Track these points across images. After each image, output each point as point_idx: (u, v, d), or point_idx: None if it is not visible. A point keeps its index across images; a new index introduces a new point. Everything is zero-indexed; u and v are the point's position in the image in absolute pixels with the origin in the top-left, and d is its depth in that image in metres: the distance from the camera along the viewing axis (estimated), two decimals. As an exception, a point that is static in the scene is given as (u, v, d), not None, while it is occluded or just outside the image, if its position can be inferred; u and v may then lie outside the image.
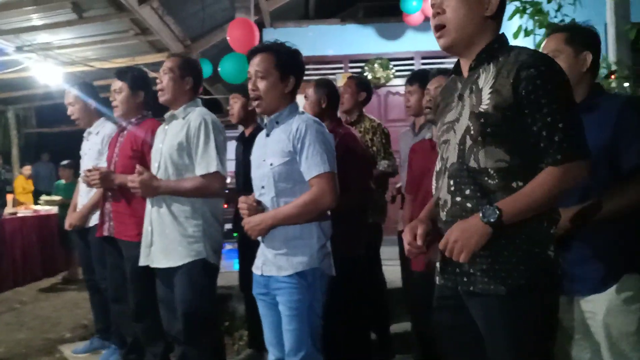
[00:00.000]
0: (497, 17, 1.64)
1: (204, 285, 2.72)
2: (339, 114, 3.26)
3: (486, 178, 1.55)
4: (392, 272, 4.01)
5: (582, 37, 1.99)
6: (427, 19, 6.98)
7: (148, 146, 3.03)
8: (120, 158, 3.18)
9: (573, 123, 1.51)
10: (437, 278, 1.76)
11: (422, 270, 2.62)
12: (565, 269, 1.83)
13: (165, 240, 2.72)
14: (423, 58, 7.60)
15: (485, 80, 1.59)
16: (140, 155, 3.07)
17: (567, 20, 3.66)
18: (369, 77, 7.60)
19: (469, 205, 1.58)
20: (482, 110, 1.56)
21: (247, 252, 2.87)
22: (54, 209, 7.27)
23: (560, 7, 3.65)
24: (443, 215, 1.66)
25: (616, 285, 1.84)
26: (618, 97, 2.04)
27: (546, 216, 1.56)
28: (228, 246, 6.08)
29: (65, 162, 6.96)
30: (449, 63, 7.16)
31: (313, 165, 2.16)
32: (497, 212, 1.48)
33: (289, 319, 2.17)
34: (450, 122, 1.68)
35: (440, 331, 1.78)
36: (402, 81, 7.52)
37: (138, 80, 3.24)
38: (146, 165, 2.83)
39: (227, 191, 3.09)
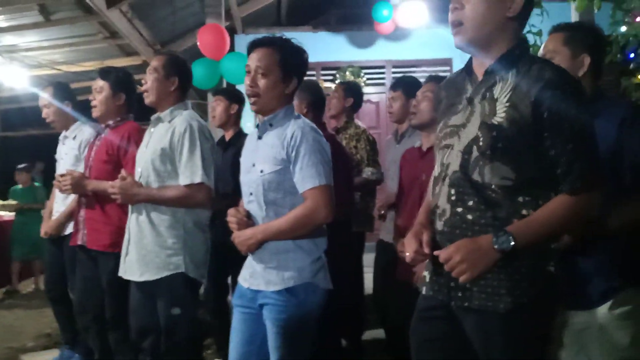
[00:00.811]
0: (521, 18, 1.54)
1: (185, 300, 2.57)
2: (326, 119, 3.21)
3: (490, 192, 1.49)
4: (365, 279, 4.01)
5: (581, 38, 1.90)
6: (397, 28, 7.05)
7: (124, 150, 2.91)
8: (95, 162, 3.03)
9: (594, 152, 1.46)
10: (425, 288, 1.69)
11: (405, 280, 2.56)
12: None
13: (142, 251, 2.56)
14: (394, 67, 7.67)
15: (502, 90, 1.50)
16: (116, 159, 2.93)
17: (535, 30, 3.75)
18: (340, 84, 7.63)
19: (469, 217, 1.52)
20: (495, 122, 1.48)
21: (211, 259, 2.80)
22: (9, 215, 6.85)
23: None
24: (439, 224, 1.59)
25: (613, 299, 1.80)
26: (620, 104, 1.95)
27: None
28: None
29: (21, 165, 6.69)
30: (419, 72, 7.26)
31: (308, 177, 2.00)
32: (512, 241, 1.42)
33: (275, 336, 2.02)
34: (455, 126, 1.59)
35: (419, 342, 1.71)
36: (373, 89, 7.66)
37: (121, 82, 3.09)
38: (122, 170, 2.70)
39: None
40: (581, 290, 1.81)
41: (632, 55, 3.71)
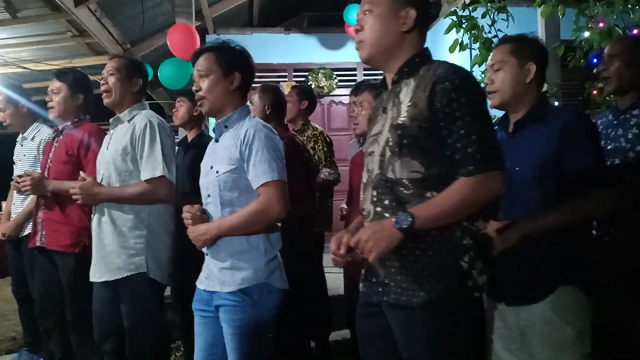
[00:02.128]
0: (417, 31, 1.68)
1: (148, 302, 2.55)
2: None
3: (401, 188, 1.59)
4: (334, 279, 4.02)
5: (527, 48, 2.01)
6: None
7: (84, 150, 2.90)
8: (54, 163, 3.01)
9: (487, 135, 1.55)
10: (361, 285, 1.79)
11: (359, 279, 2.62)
12: (503, 278, 1.87)
13: (102, 252, 2.56)
14: (365, 69, 7.71)
15: (406, 93, 1.63)
16: (76, 160, 2.92)
17: (500, 35, 3.82)
18: (313, 86, 7.64)
19: (387, 215, 1.61)
20: (399, 122, 1.60)
21: (181, 261, 2.79)
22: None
23: (494, 22, 3.78)
24: (367, 225, 1.66)
25: (553, 295, 1.85)
26: (564, 111, 2.08)
27: (459, 227, 1.58)
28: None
29: None
30: (390, 74, 7.30)
31: (261, 173, 2.03)
32: (410, 219, 1.51)
33: (231, 337, 2.04)
34: (375, 135, 1.72)
35: (361, 338, 1.79)
36: (345, 91, 7.67)
37: (79, 82, 3.09)
38: (81, 170, 2.70)
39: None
40: (523, 287, 1.88)
41: (595, 60, 3.80)
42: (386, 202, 1.62)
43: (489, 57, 2.08)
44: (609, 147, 2.35)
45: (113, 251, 2.54)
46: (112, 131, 2.69)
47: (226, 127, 2.16)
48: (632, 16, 3.55)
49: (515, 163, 1.88)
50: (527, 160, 1.89)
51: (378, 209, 1.64)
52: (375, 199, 1.65)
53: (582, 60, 3.82)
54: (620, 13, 3.56)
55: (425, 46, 1.72)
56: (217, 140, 2.19)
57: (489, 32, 3.81)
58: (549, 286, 1.86)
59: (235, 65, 2.14)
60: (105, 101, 2.67)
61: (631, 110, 2.33)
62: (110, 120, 2.70)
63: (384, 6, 1.65)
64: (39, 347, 3.63)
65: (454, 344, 1.58)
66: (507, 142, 1.97)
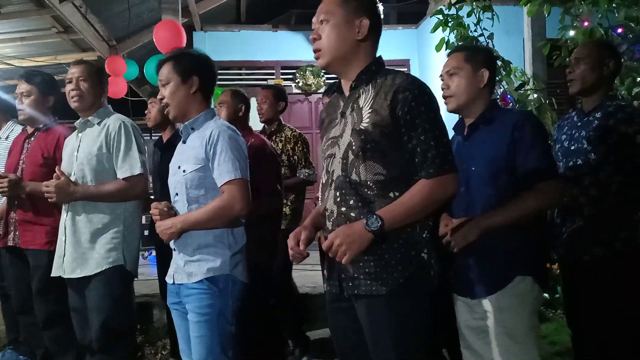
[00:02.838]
0: (371, 39, 1.77)
1: (120, 293, 2.63)
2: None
3: (366, 189, 1.70)
4: (316, 275, 4.04)
5: (480, 56, 2.14)
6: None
7: (60, 153, 2.90)
8: (28, 165, 3.04)
9: (443, 141, 1.68)
10: (326, 284, 1.89)
11: None
12: (466, 273, 2.04)
13: (79, 249, 2.61)
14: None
15: (365, 100, 1.74)
16: (52, 162, 2.94)
17: (487, 33, 3.84)
18: (300, 83, 7.64)
19: (352, 214, 1.71)
20: (362, 127, 1.71)
21: (165, 260, 2.79)
22: None
23: (479, 21, 3.80)
24: (329, 224, 1.78)
25: (509, 285, 1.98)
26: (513, 112, 2.23)
27: (420, 222, 1.72)
28: (154, 253, 5.92)
29: None
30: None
31: (224, 172, 2.14)
32: (380, 221, 1.62)
33: (197, 325, 2.13)
34: (334, 138, 1.81)
35: (333, 332, 1.90)
36: (332, 88, 7.67)
37: (48, 84, 3.13)
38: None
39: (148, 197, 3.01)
40: (483, 280, 2.02)
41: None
42: (351, 202, 1.72)
43: (444, 64, 2.18)
44: (572, 148, 2.44)
45: (91, 247, 2.61)
46: (80, 134, 2.74)
47: (193, 129, 2.26)
48: (616, 15, 3.58)
49: (472, 163, 2.03)
50: (482, 160, 2.04)
51: (343, 209, 1.73)
52: (339, 200, 1.75)
53: (567, 59, 3.84)
54: (605, 12, 3.59)
55: (378, 55, 1.82)
56: (184, 142, 2.29)
57: (475, 30, 3.82)
58: (507, 277, 1.99)
59: (193, 70, 2.23)
60: (75, 105, 2.72)
61: (594, 112, 2.40)
62: (77, 124, 2.77)
63: (340, 16, 1.74)
64: (20, 346, 3.60)
65: (416, 329, 1.70)
66: (462, 145, 2.14)
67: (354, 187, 1.71)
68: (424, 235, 1.73)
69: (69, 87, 2.71)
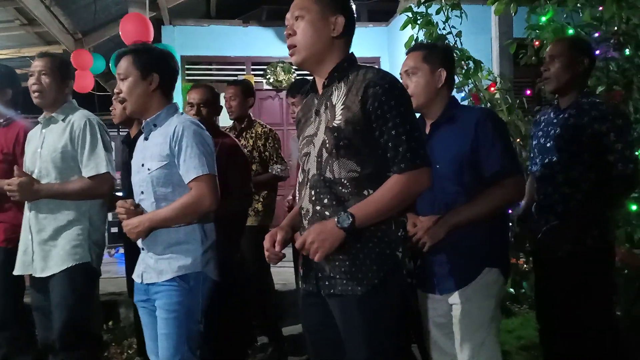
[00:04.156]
0: (345, 37, 1.77)
1: (85, 290, 2.59)
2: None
3: (340, 187, 1.69)
4: (287, 272, 4.03)
5: (437, 55, 2.14)
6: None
7: (21, 149, 2.83)
8: None
9: (415, 135, 1.66)
10: (300, 282, 1.88)
11: None
12: (434, 269, 2.07)
13: (44, 247, 2.57)
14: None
15: (338, 97, 1.73)
16: (12, 159, 2.88)
17: (455, 32, 3.87)
18: (271, 79, 7.61)
19: (327, 213, 1.70)
20: (335, 125, 1.69)
21: (133, 257, 2.74)
22: None
23: (448, 19, 3.83)
24: (305, 223, 1.77)
25: (476, 278, 2.03)
26: (474, 110, 2.26)
27: (395, 220, 1.71)
28: (121, 250, 5.84)
29: None
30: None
31: (191, 168, 2.11)
32: (350, 218, 1.60)
33: (165, 322, 2.11)
34: (309, 136, 1.81)
35: (306, 328, 1.91)
36: (303, 85, 7.66)
37: (6, 78, 3.04)
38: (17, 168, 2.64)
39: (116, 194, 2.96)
40: (451, 275, 2.05)
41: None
42: (325, 200, 1.71)
43: (403, 62, 2.19)
44: (547, 145, 2.47)
45: (56, 245, 2.56)
46: (43, 130, 2.67)
47: (155, 125, 2.21)
48: (581, 15, 3.64)
49: (436, 161, 2.01)
50: (446, 157, 2.05)
51: (318, 207, 1.72)
52: (314, 198, 1.74)
53: (533, 58, 3.90)
54: (570, 12, 3.65)
55: (350, 51, 1.81)
56: (146, 138, 2.23)
57: (444, 28, 3.85)
58: (476, 270, 2.04)
59: (153, 67, 2.19)
60: (37, 101, 2.65)
61: (570, 109, 2.42)
62: (41, 119, 2.69)
63: (316, 12, 1.72)
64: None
65: (390, 327, 1.69)
66: (426, 144, 2.12)
67: (328, 185, 1.70)
68: (399, 234, 1.72)
69: (30, 80, 2.63)
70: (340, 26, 1.73)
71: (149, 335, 2.24)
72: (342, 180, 1.68)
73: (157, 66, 2.20)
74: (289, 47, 1.77)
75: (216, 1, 8.06)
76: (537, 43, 3.82)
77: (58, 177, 2.59)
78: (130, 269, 3.36)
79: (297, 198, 1.87)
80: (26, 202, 2.61)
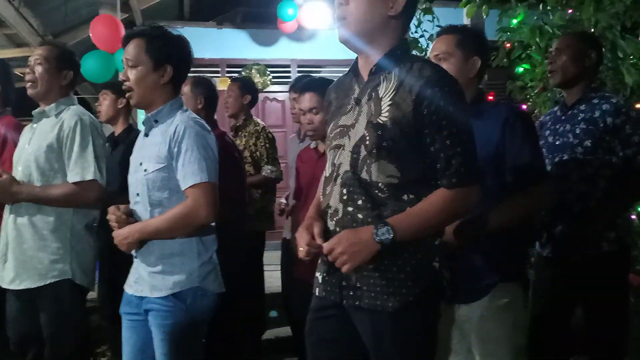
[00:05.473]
0: (403, 18, 1.58)
1: (70, 309, 2.39)
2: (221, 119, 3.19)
3: (377, 191, 1.52)
4: (272, 276, 3.98)
5: (472, 41, 1.96)
6: (301, 27, 7.07)
7: (1, 147, 2.70)
8: None
9: (470, 148, 1.51)
10: (318, 289, 1.69)
11: (304, 278, 2.51)
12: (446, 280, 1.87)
13: (21, 257, 2.36)
14: (299, 66, 7.69)
15: (386, 90, 1.53)
16: None
17: (427, 35, 3.89)
18: (246, 82, 7.56)
19: (360, 216, 1.53)
20: (380, 121, 1.51)
21: (105, 262, 2.68)
22: None
23: (420, 23, 3.84)
24: (332, 224, 1.60)
25: (492, 292, 1.88)
26: (502, 106, 2.02)
27: None
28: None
29: None
30: (325, 72, 7.31)
31: (189, 174, 1.90)
32: (391, 233, 1.45)
33: (161, 342, 1.93)
34: (345, 126, 1.61)
35: (314, 342, 1.71)
36: (279, 87, 7.62)
37: None
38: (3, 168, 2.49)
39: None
40: (464, 285, 1.86)
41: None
42: (359, 202, 1.54)
43: (431, 47, 2.02)
44: (557, 143, 2.39)
45: (34, 256, 2.36)
46: (35, 125, 2.48)
47: (156, 121, 2.01)
48: (551, 17, 3.69)
49: None
50: None
51: (350, 208, 1.55)
52: (345, 198, 1.56)
53: (504, 60, 3.94)
54: (541, 15, 3.70)
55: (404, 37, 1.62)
56: (146, 135, 2.05)
57: (415, 32, 3.86)
58: (489, 284, 1.88)
59: (168, 57, 1.98)
60: (30, 92, 2.46)
61: (578, 105, 2.35)
62: (34, 112, 2.49)
63: None
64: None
65: (424, 345, 1.57)
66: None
67: (364, 187, 1.52)
68: (437, 242, 1.57)
69: (27, 71, 2.47)
70: (400, 5, 1.53)
71: (129, 350, 2.04)
72: (379, 184, 1.51)
73: (173, 57, 1.99)
74: (338, 19, 1.56)
75: (190, 3, 7.99)
76: (508, 45, 3.87)
77: (40, 178, 2.38)
78: (102, 274, 3.27)
79: (321, 192, 1.68)
80: (7, 205, 2.43)
